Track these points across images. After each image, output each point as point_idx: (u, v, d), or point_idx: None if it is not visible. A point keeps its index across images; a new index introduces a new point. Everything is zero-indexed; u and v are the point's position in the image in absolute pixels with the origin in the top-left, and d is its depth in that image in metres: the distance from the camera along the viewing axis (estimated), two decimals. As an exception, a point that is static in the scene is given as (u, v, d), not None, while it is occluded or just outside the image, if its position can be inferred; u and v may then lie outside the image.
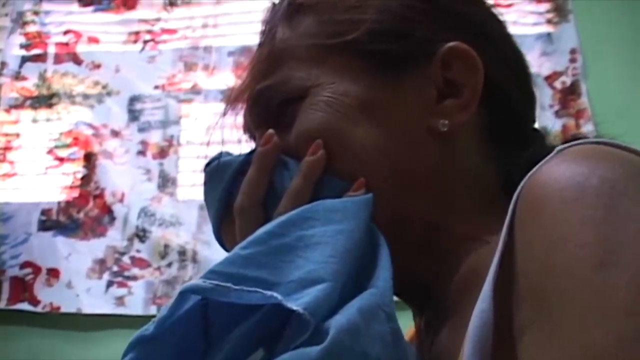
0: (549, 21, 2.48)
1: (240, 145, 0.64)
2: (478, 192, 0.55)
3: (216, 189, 0.58)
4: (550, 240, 0.38)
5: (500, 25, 0.61)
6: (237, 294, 0.43)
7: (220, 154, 0.59)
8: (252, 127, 0.62)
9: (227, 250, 0.57)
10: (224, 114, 0.63)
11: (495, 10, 0.61)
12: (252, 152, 0.58)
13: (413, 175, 0.54)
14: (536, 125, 0.63)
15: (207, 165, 0.59)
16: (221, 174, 0.58)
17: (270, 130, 0.56)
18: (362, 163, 0.53)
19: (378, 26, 0.56)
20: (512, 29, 1.98)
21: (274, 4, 0.63)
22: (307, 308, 0.42)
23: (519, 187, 0.43)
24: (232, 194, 0.56)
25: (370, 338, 0.43)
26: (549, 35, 2.46)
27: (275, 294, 0.42)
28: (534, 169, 0.43)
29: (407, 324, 0.54)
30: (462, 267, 0.52)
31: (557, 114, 2.35)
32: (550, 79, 2.40)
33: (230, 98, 0.63)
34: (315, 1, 0.59)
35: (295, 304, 0.42)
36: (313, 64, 0.56)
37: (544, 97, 2.36)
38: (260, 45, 0.61)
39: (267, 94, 0.58)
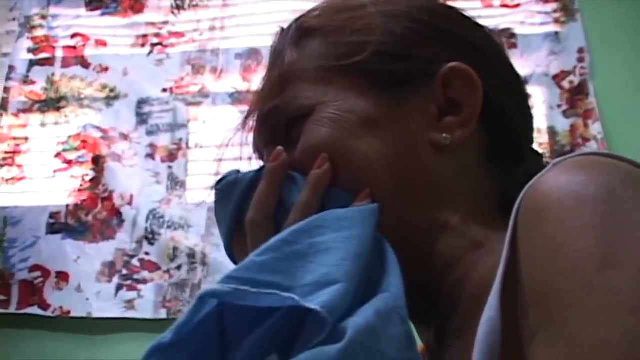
0: (556, 20, 2.48)
1: (251, 163, 0.67)
2: (478, 205, 0.57)
3: (227, 205, 0.59)
4: (553, 247, 0.40)
5: (498, 49, 0.64)
6: (255, 297, 0.44)
7: (231, 172, 0.61)
8: (260, 146, 0.65)
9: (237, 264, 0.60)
10: (236, 133, 0.66)
11: (494, 35, 0.64)
12: (261, 169, 0.60)
13: (415, 187, 0.56)
14: (533, 145, 0.65)
15: (218, 183, 0.61)
16: (232, 191, 0.60)
17: (279, 147, 0.58)
18: (366, 175, 0.55)
19: (382, 48, 0.58)
20: (519, 29, 1.99)
21: (282, 28, 0.66)
22: (325, 307, 0.43)
23: (519, 198, 0.45)
24: (243, 209, 0.58)
25: (387, 339, 0.44)
26: (556, 34, 2.45)
27: (292, 295, 0.44)
28: (533, 180, 0.45)
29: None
30: (469, 281, 0.53)
31: (565, 114, 2.35)
32: (558, 78, 2.39)
33: (242, 118, 0.65)
34: (322, 25, 0.62)
35: (312, 304, 0.43)
36: (319, 84, 0.59)
37: (552, 96, 2.36)
38: (269, 68, 0.64)
39: (275, 113, 0.60)
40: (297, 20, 0.65)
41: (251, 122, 0.65)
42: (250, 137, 0.66)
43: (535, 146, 0.65)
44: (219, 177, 0.61)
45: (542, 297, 0.39)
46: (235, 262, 0.60)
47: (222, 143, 0.68)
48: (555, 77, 2.39)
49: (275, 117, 0.60)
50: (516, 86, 0.63)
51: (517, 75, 0.64)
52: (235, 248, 0.60)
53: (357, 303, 0.45)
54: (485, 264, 0.52)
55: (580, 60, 2.41)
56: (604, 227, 0.39)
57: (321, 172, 0.55)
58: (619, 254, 0.37)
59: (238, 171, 0.61)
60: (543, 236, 0.41)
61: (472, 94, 0.57)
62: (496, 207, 0.57)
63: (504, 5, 2.53)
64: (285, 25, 0.66)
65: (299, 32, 0.63)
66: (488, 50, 0.62)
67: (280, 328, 0.46)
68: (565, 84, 2.38)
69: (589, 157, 0.45)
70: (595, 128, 2.31)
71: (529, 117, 0.64)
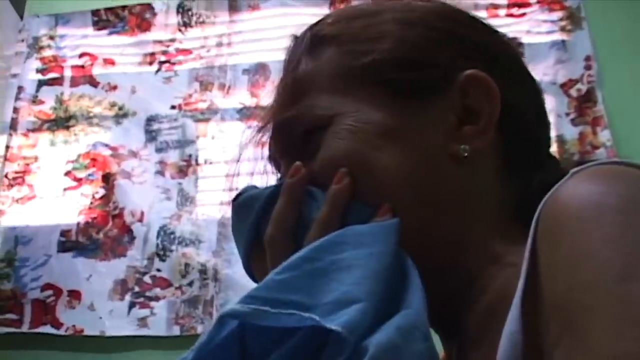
0: (562, 29, 2.47)
1: (263, 177, 0.66)
2: (497, 215, 0.56)
3: (245, 221, 0.58)
4: (573, 259, 0.39)
5: (515, 55, 0.63)
6: (275, 317, 0.43)
7: (248, 187, 0.60)
8: (277, 157, 0.64)
9: (256, 282, 0.58)
10: (250, 141, 0.65)
11: (510, 41, 0.64)
12: (279, 184, 0.59)
13: (436, 200, 0.55)
14: (551, 151, 0.64)
15: (235, 199, 0.60)
16: (249, 207, 0.58)
17: (298, 163, 0.57)
18: (386, 188, 0.54)
19: (398, 56, 0.58)
20: (526, 38, 1.98)
21: (296, 36, 0.65)
22: (346, 327, 0.42)
23: (538, 209, 0.44)
24: (261, 225, 0.57)
25: (408, 356, 0.43)
26: (563, 42, 2.45)
27: (313, 315, 0.43)
28: (552, 191, 0.44)
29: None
30: (489, 292, 0.53)
31: (574, 122, 2.34)
32: (565, 86, 2.38)
33: (255, 129, 0.65)
34: (337, 33, 0.61)
35: (333, 324, 0.42)
36: (336, 94, 0.58)
37: (560, 105, 2.35)
38: (284, 76, 0.63)
39: (291, 124, 0.59)
40: (311, 28, 0.64)
41: (264, 135, 0.64)
42: (263, 151, 0.65)
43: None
44: (235, 192, 0.61)
45: (562, 309, 0.39)
46: (253, 279, 0.60)
47: (235, 157, 0.67)
48: (562, 86, 2.38)
49: (291, 128, 0.59)
50: (533, 92, 0.62)
51: (533, 80, 0.63)
52: (254, 265, 0.59)
53: (379, 321, 0.45)
54: (505, 275, 0.51)
55: (588, 68, 2.40)
56: (625, 239, 0.38)
57: (341, 187, 0.54)
58: None
59: (255, 186, 0.61)
60: (563, 248, 0.40)
61: (489, 102, 0.57)
62: (515, 217, 0.56)
63: (510, 15, 2.53)
64: (299, 34, 0.65)
65: (314, 40, 0.62)
66: (504, 56, 0.62)
67: (302, 347, 0.45)
68: (573, 92, 2.37)
69: (608, 166, 0.44)
70: (604, 135, 2.30)
71: (546, 123, 0.63)
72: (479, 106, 0.57)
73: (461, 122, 0.57)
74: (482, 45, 0.61)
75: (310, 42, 0.62)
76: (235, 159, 0.67)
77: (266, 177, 0.67)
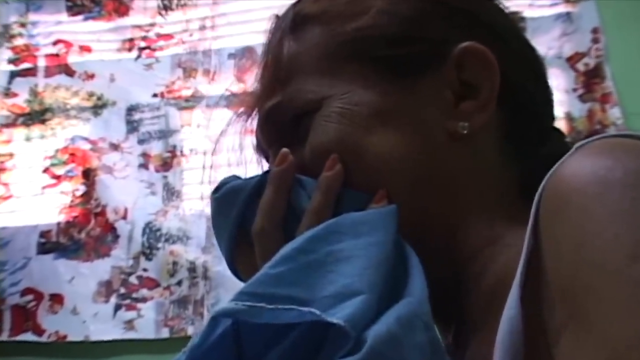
0: (567, 0, 2.40)
1: (247, 167, 0.65)
2: (498, 193, 0.56)
3: (228, 214, 0.57)
4: (578, 237, 0.39)
5: (513, 26, 0.63)
6: (272, 313, 0.42)
7: (229, 178, 0.59)
8: (264, 145, 0.63)
9: (241, 279, 0.58)
10: (230, 123, 0.65)
11: (508, 11, 0.62)
12: (265, 173, 0.57)
13: (434, 182, 0.54)
14: (555, 124, 0.63)
15: (215, 191, 0.58)
16: (233, 199, 0.57)
17: (285, 150, 0.56)
18: (380, 173, 0.54)
19: (388, 31, 0.57)
20: (528, 12, 1.88)
21: (277, 16, 0.64)
22: (348, 320, 0.41)
23: (541, 186, 0.43)
24: (246, 219, 0.56)
25: (409, 347, 0.43)
26: (568, 14, 2.37)
27: (313, 310, 0.42)
28: (555, 167, 0.43)
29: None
30: (488, 274, 0.52)
31: (582, 98, 2.27)
32: (572, 60, 2.31)
33: (238, 111, 0.64)
34: (321, 11, 0.59)
35: (334, 318, 0.42)
36: (323, 76, 0.57)
37: (568, 80, 2.29)
38: (266, 59, 0.62)
39: (279, 110, 0.58)
40: (293, 7, 0.62)
41: (250, 122, 0.63)
42: (245, 140, 0.65)
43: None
44: (216, 184, 0.59)
45: (568, 291, 0.38)
46: (237, 275, 0.58)
47: (217, 147, 0.67)
48: (569, 60, 2.31)
49: (279, 115, 0.58)
50: (533, 61, 0.61)
51: (532, 49, 0.62)
52: (238, 261, 0.58)
53: (381, 309, 0.44)
54: (505, 256, 0.51)
55: (595, 40, 2.33)
56: (633, 214, 0.37)
57: (333, 175, 0.53)
58: None
59: (237, 177, 0.59)
60: (567, 226, 0.40)
61: (488, 75, 0.55)
62: (518, 194, 0.55)
63: (511, -12, 2.44)
64: (281, 13, 0.64)
65: (297, 20, 0.60)
66: (500, 26, 0.60)
67: (301, 343, 0.45)
68: (580, 66, 2.31)
69: (615, 139, 0.43)
70: (613, 113, 2.24)
71: (549, 94, 0.62)
72: (477, 80, 0.56)
73: (459, 98, 0.56)
74: (478, 17, 0.59)
75: (292, 22, 0.60)
76: (217, 150, 0.67)
77: (246, 168, 0.65)
